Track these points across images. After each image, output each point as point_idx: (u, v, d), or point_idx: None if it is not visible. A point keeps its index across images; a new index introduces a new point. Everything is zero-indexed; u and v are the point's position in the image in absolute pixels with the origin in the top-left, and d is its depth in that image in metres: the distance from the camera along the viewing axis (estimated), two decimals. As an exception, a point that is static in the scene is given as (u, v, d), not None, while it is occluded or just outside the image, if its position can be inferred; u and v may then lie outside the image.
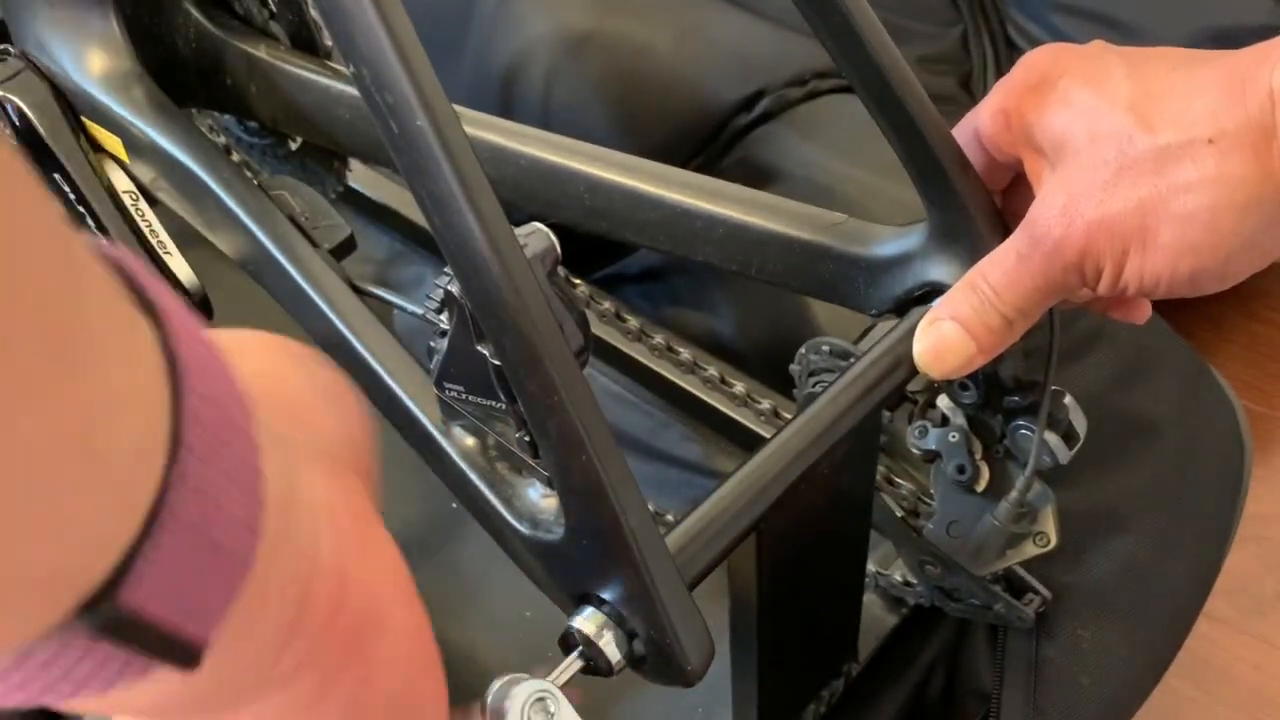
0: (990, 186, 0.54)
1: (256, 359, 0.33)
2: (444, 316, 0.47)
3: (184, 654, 0.24)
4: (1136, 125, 0.46)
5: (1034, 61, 0.51)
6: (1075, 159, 0.48)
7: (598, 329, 0.81)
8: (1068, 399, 0.58)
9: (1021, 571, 0.67)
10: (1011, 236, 0.51)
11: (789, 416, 0.75)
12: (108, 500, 0.22)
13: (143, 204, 0.69)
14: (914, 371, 0.54)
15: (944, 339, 0.52)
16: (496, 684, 0.41)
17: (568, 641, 0.44)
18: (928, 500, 0.64)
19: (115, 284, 0.23)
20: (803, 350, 0.62)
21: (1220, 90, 0.45)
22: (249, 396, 0.26)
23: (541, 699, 0.41)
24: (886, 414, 0.60)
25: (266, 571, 0.26)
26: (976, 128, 0.53)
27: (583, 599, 0.44)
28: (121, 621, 0.23)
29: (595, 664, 0.44)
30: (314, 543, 0.29)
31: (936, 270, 0.54)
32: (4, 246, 0.19)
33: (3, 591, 0.21)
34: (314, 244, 0.62)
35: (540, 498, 0.48)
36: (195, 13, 0.71)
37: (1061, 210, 0.48)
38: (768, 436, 0.51)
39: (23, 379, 0.20)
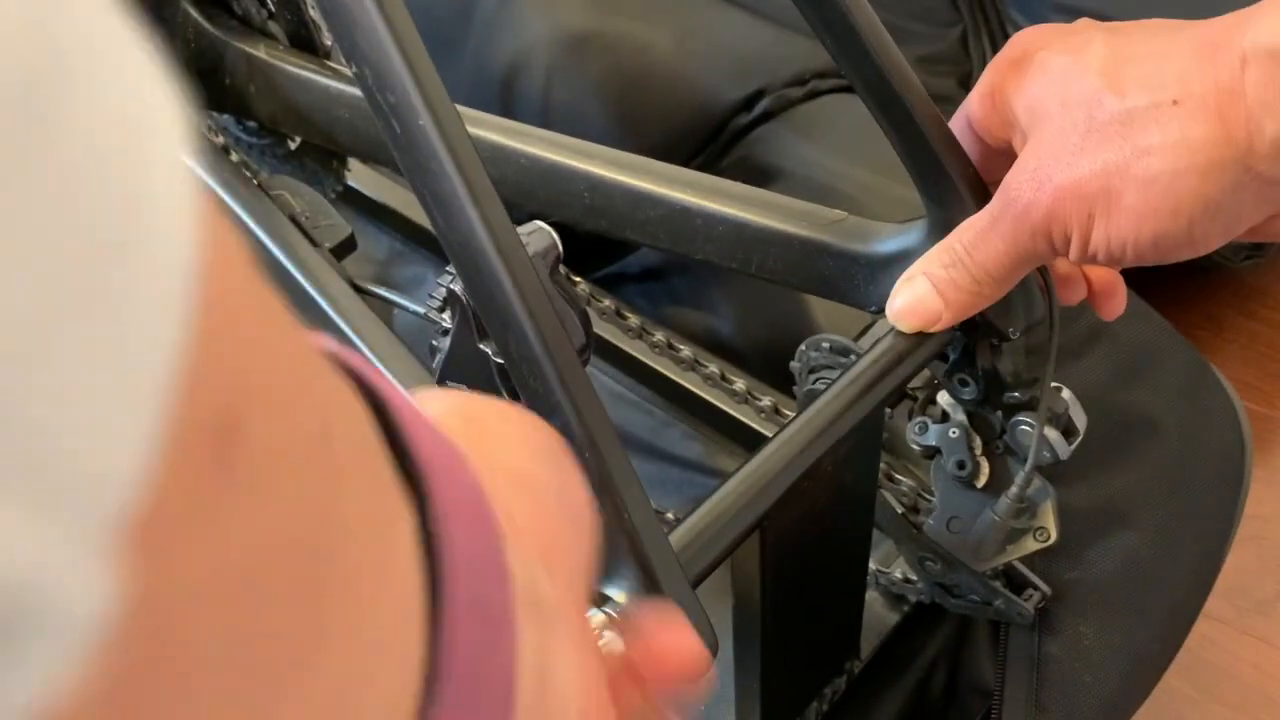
0: (986, 179, 0.54)
1: (498, 443, 0.27)
2: (446, 315, 0.47)
3: None
4: (1106, 88, 0.46)
5: (1018, 38, 0.51)
6: (1047, 124, 0.48)
7: (598, 327, 0.81)
8: (1067, 394, 0.58)
9: (1021, 567, 0.68)
10: (990, 201, 0.51)
11: (789, 414, 0.75)
12: None
13: (143, 204, 0.69)
14: (915, 369, 0.54)
15: (915, 295, 0.52)
16: None
17: None
18: (928, 496, 0.64)
19: (374, 436, 0.19)
20: (803, 347, 0.62)
21: (1192, 54, 0.45)
22: (513, 576, 0.22)
23: None
24: (886, 411, 0.60)
25: None
26: (969, 115, 0.53)
27: (586, 596, 0.44)
28: None
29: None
30: None
31: (937, 268, 0.54)
32: (274, 463, 0.15)
33: None
34: (314, 243, 0.62)
35: (543, 495, 0.48)
36: (194, 12, 0.71)
37: (1032, 174, 0.48)
38: (768, 434, 0.51)
39: (272, 668, 0.16)
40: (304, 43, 0.70)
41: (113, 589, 0.13)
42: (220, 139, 0.77)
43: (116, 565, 0.13)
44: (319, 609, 0.16)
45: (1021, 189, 0.48)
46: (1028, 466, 0.56)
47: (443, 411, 0.26)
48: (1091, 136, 0.46)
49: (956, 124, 0.54)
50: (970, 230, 0.51)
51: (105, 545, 0.13)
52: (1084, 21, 0.50)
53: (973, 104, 0.53)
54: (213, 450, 0.14)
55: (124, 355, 0.13)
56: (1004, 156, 0.52)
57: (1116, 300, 0.57)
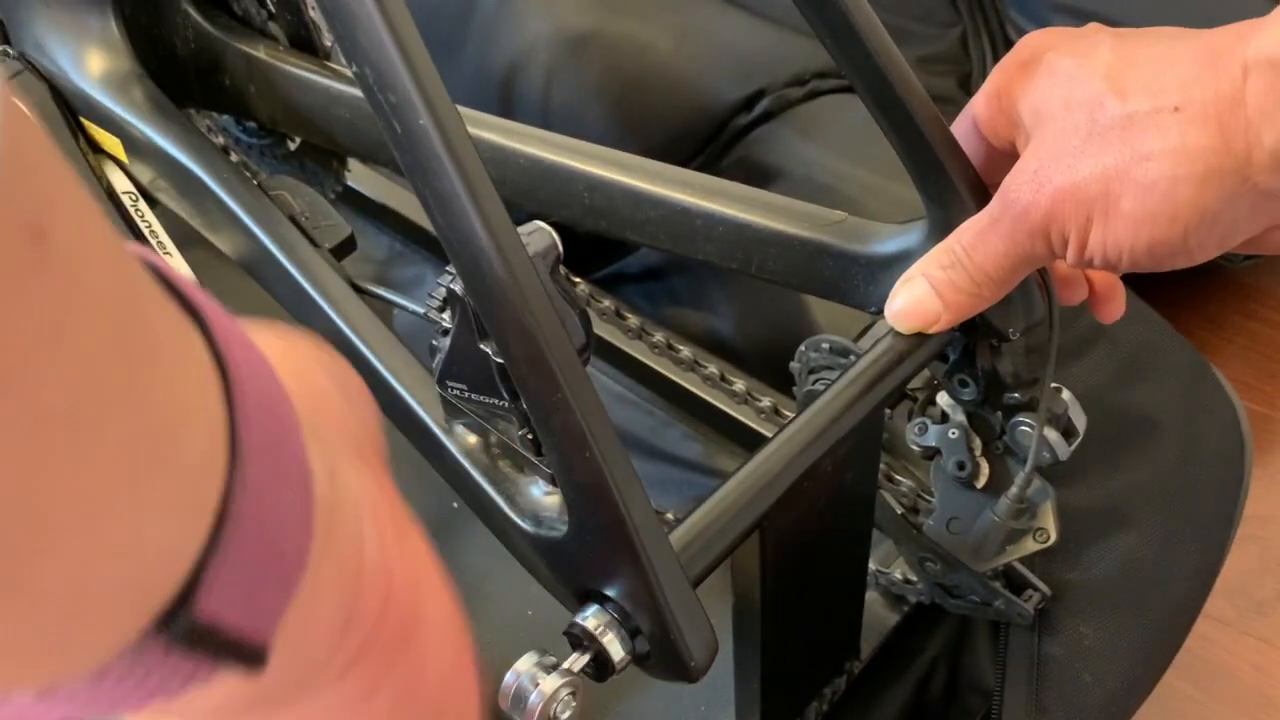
0: (989, 179, 0.54)
1: (276, 342, 0.33)
2: (446, 315, 0.47)
3: (250, 656, 0.24)
4: (1109, 92, 0.46)
5: (1027, 40, 0.51)
6: (1050, 126, 0.48)
7: (598, 327, 0.81)
8: (1067, 395, 0.58)
9: (1021, 568, 0.68)
10: (990, 202, 0.51)
11: (789, 414, 0.75)
12: (180, 510, 0.22)
13: (142, 204, 0.69)
14: (915, 369, 0.54)
15: (913, 296, 0.52)
16: (519, 667, 0.42)
17: (572, 638, 0.44)
18: (927, 497, 0.64)
19: (160, 286, 0.23)
20: (803, 348, 0.62)
21: (1195, 61, 0.45)
22: (290, 395, 0.26)
23: (573, 691, 0.42)
24: (886, 411, 0.61)
25: (319, 569, 0.26)
26: (974, 115, 0.53)
27: (586, 596, 0.44)
28: (196, 630, 0.23)
29: (599, 661, 0.44)
30: (359, 538, 0.29)
31: (937, 268, 0.54)
32: (76, 259, 0.19)
33: (90, 609, 0.21)
34: (314, 244, 0.62)
35: (543, 495, 0.48)
36: (194, 13, 0.71)
37: (1032, 176, 0.48)
38: (767, 434, 0.51)
39: (100, 393, 0.20)
40: (304, 43, 0.70)
41: None
42: (220, 139, 0.77)
43: None
44: (130, 362, 0.20)
45: (1021, 190, 0.48)
46: (1027, 467, 0.56)
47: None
48: (1093, 140, 0.46)
49: (961, 125, 0.54)
50: (969, 231, 0.51)
51: None
52: (1093, 26, 0.50)
53: (978, 104, 0.53)
54: (27, 239, 0.18)
55: None
56: (1008, 158, 0.52)
57: (1115, 304, 0.57)
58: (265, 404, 0.25)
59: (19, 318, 0.18)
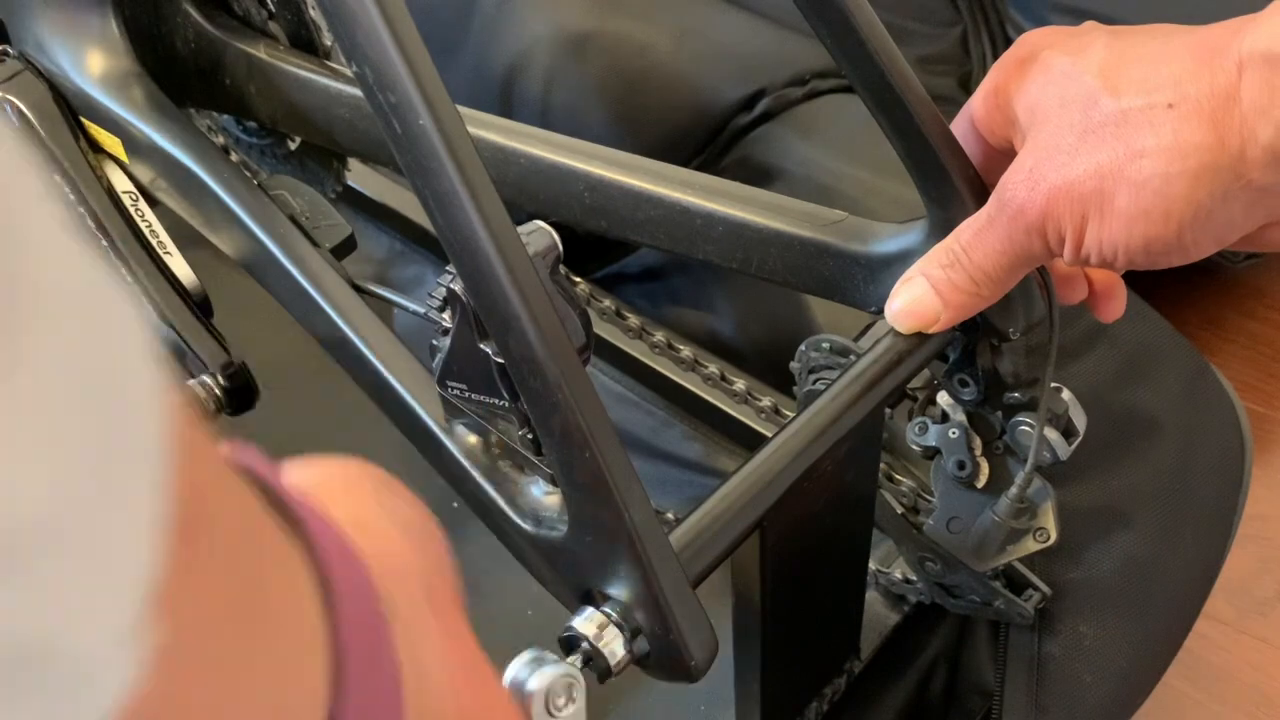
0: (988, 178, 0.54)
1: (345, 499, 0.33)
2: (446, 315, 0.47)
3: None
4: (1103, 89, 0.46)
5: (1025, 38, 0.51)
6: (1045, 124, 0.48)
7: (598, 327, 0.81)
8: (1067, 395, 0.58)
9: (1021, 568, 0.68)
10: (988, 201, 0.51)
11: (789, 414, 0.75)
12: None
13: (143, 204, 0.69)
14: (915, 369, 0.54)
15: (913, 296, 0.52)
16: (519, 660, 0.42)
17: (569, 642, 0.44)
18: (928, 497, 0.64)
19: (266, 508, 0.24)
20: (803, 348, 0.62)
21: (1189, 57, 0.45)
22: (380, 592, 0.26)
23: (569, 684, 0.42)
24: (886, 411, 0.60)
25: None
26: (972, 114, 0.53)
27: (586, 595, 0.44)
28: None
29: (596, 664, 0.44)
30: (442, 716, 0.30)
31: (937, 268, 0.54)
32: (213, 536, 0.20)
33: None
34: (314, 243, 0.62)
35: (543, 495, 0.48)
36: (194, 13, 0.71)
37: (1027, 174, 0.48)
38: (768, 434, 0.51)
39: (219, 672, 0.21)
40: (304, 43, 0.70)
41: (139, 657, 0.18)
42: (220, 139, 0.77)
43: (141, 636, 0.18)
44: (251, 623, 0.22)
45: (1017, 189, 0.48)
46: (1028, 467, 0.56)
47: (303, 479, 0.32)
48: (1087, 137, 0.46)
49: (960, 124, 0.54)
50: (968, 231, 0.51)
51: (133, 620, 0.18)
52: (1090, 24, 0.50)
53: (976, 103, 0.53)
54: (182, 536, 0.19)
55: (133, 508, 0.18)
56: (1006, 156, 0.52)
57: (1115, 303, 0.57)
58: (363, 622, 0.25)
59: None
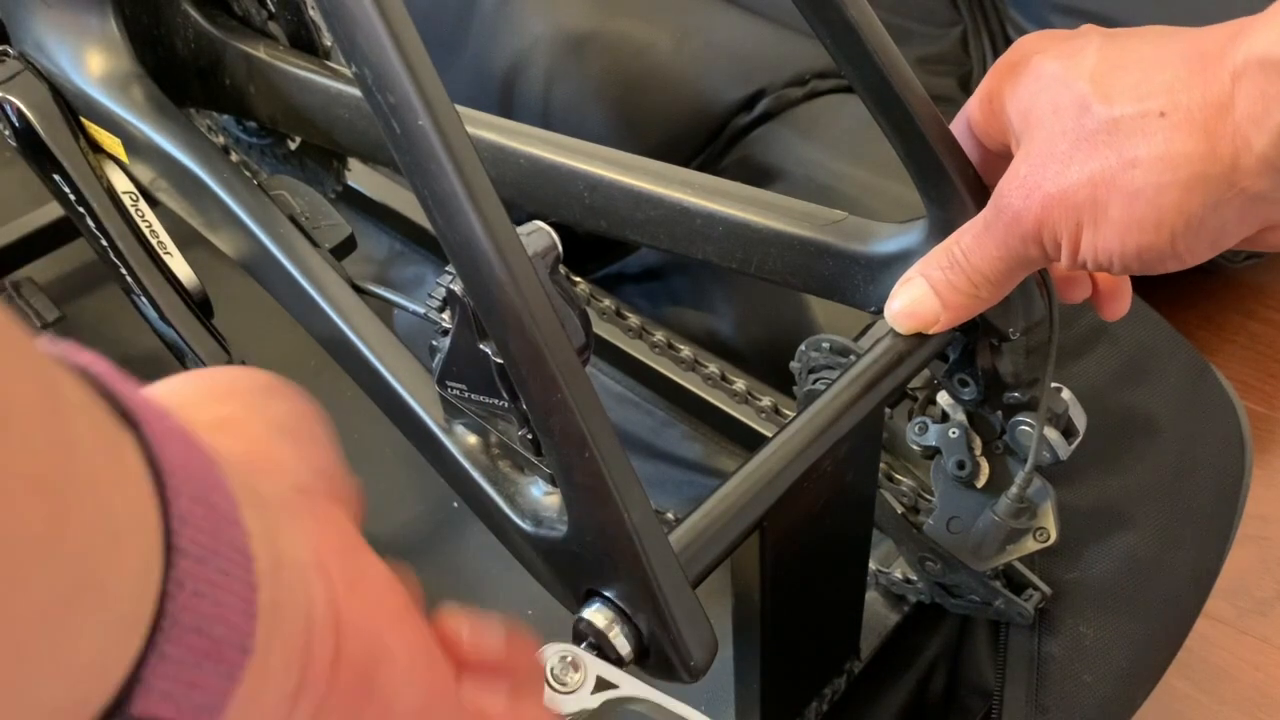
0: (988, 180, 0.54)
1: (213, 405, 0.34)
2: (446, 315, 0.47)
3: None
4: (1095, 95, 0.46)
5: (1019, 43, 0.51)
6: (1039, 130, 0.48)
7: (598, 327, 0.81)
8: (1067, 394, 0.58)
9: (1021, 568, 0.68)
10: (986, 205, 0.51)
11: (789, 414, 0.75)
12: (112, 627, 0.23)
13: (143, 204, 0.69)
14: (915, 369, 0.54)
15: (912, 297, 0.53)
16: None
17: (578, 634, 0.44)
18: (928, 496, 0.64)
19: (93, 398, 0.24)
20: (803, 347, 0.62)
21: (1182, 64, 0.45)
22: (227, 476, 0.26)
23: (572, 661, 0.42)
24: (886, 411, 0.60)
25: (266, 648, 0.27)
26: (968, 118, 0.53)
27: (586, 596, 0.44)
28: None
29: (605, 656, 0.44)
30: (306, 602, 0.29)
31: (937, 268, 0.54)
32: None
33: None
34: (314, 244, 0.62)
35: (543, 495, 0.48)
36: (194, 13, 0.71)
37: (1022, 181, 0.48)
38: (767, 434, 0.51)
39: (24, 535, 0.20)
40: (304, 43, 0.70)
41: None
42: (220, 139, 0.77)
43: None
44: (52, 506, 0.21)
45: (1012, 196, 0.48)
46: (1027, 467, 0.56)
47: (169, 386, 0.33)
48: (1080, 145, 0.46)
49: (957, 127, 0.54)
50: (968, 234, 0.51)
51: None
52: (1087, 27, 0.50)
53: (972, 107, 0.53)
54: None
55: None
56: (1004, 159, 0.52)
57: (1120, 302, 0.57)
58: (201, 498, 0.25)
59: None
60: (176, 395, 0.33)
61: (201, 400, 0.34)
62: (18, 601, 0.20)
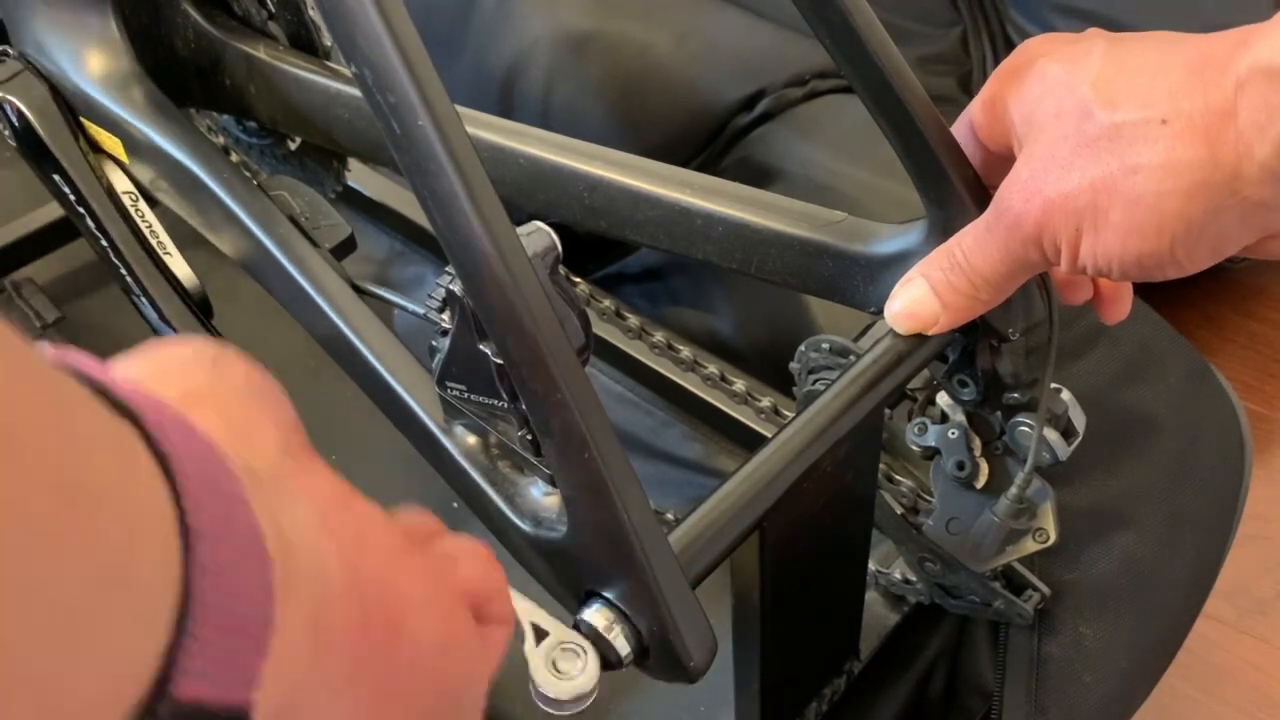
0: (990, 183, 0.54)
1: (177, 380, 0.34)
2: (445, 315, 0.47)
3: (235, 717, 0.26)
4: (1097, 101, 0.46)
5: (1024, 46, 0.51)
6: (1041, 134, 0.48)
7: (598, 328, 0.81)
8: (1066, 395, 0.58)
9: (1021, 568, 0.68)
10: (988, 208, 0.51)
11: (788, 414, 0.75)
12: (141, 616, 0.23)
13: (142, 204, 0.69)
14: (915, 369, 0.54)
15: (912, 298, 0.53)
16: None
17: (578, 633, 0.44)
18: (927, 497, 0.64)
19: (91, 395, 0.24)
20: (802, 348, 0.62)
21: (1185, 70, 0.45)
22: (227, 456, 0.27)
23: (569, 649, 0.42)
24: (886, 411, 0.60)
25: (287, 620, 0.27)
26: (970, 120, 0.53)
27: (586, 596, 0.44)
28: (179, 713, 0.24)
29: (605, 657, 0.44)
30: (320, 566, 0.30)
31: (937, 268, 0.54)
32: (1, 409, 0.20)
33: None
34: (314, 244, 0.62)
35: (543, 496, 0.48)
36: (194, 13, 0.71)
37: (1023, 185, 0.48)
38: (767, 435, 0.51)
39: (45, 538, 0.21)
40: (304, 43, 0.70)
41: None
42: (220, 139, 0.77)
43: None
44: (70, 507, 0.21)
45: (1013, 199, 0.48)
46: (1027, 467, 0.56)
47: (133, 369, 0.33)
48: (1081, 150, 0.46)
49: (960, 129, 0.54)
50: (969, 236, 0.51)
51: None
52: (1092, 31, 0.50)
53: (975, 110, 0.53)
54: None
55: None
56: (1006, 161, 0.52)
57: (1120, 305, 0.57)
58: (208, 481, 0.26)
59: None
60: (138, 373, 0.33)
61: (165, 376, 0.34)
62: (47, 601, 0.21)
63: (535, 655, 0.43)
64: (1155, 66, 0.45)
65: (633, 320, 0.82)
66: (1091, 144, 0.46)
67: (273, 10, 0.70)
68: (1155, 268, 0.47)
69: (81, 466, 0.22)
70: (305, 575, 0.29)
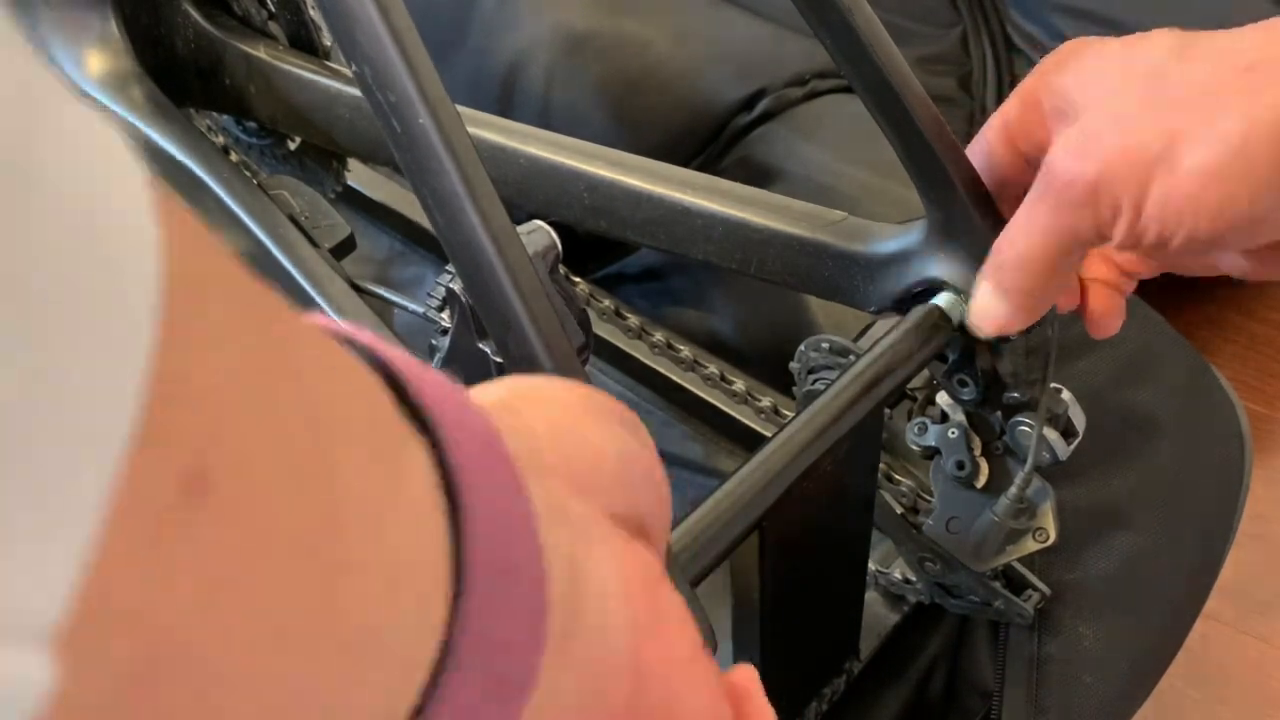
0: (1010, 192, 0.52)
1: (556, 411, 0.30)
2: (445, 314, 0.47)
3: None
4: (1172, 57, 0.43)
5: (1063, 45, 0.49)
6: (1104, 96, 0.45)
7: (598, 327, 0.81)
8: (1066, 395, 0.58)
9: (1021, 568, 0.68)
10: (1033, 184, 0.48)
11: (789, 414, 0.75)
12: (393, 677, 0.21)
13: (143, 204, 0.69)
14: (915, 369, 0.54)
15: (977, 301, 0.51)
16: None
17: None
18: (927, 497, 0.64)
19: (377, 396, 0.21)
20: (803, 348, 0.62)
21: (1265, 28, 0.43)
22: (527, 483, 0.24)
23: None
24: (886, 411, 0.60)
25: (554, 680, 0.24)
26: (1004, 119, 0.51)
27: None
28: None
29: None
30: (604, 633, 0.27)
31: (936, 267, 0.54)
32: (247, 496, 0.17)
33: None
34: (314, 243, 0.62)
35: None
36: (194, 13, 0.71)
37: (1077, 146, 0.45)
38: (767, 434, 0.51)
39: (292, 604, 0.18)
40: (304, 43, 0.70)
41: (53, 674, 0.14)
42: (220, 139, 0.77)
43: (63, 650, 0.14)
44: (321, 584, 0.19)
45: (1066, 160, 0.45)
46: (1027, 467, 0.56)
47: (527, 389, 0.30)
48: (1152, 103, 0.43)
49: (982, 140, 0.52)
50: (1014, 218, 0.49)
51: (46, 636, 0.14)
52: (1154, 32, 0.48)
53: (1010, 106, 0.50)
54: (179, 495, 0.15)
55: (74, 433, 0.14)
56: (1032, 167, 0.49)
57: (1111, 319, 0.55)
58: (499, 517, 0.23)
59: (165, 597, 0.15)
60: (517, 395, 0.30)
61: (547, 399, 0.30)
62: (287, 671, 0.18)
63: None
64: (1228, 35, 0.43)
65: (633, 320, 0.82)
66: (1165, 96, 0.43)
67: (273, 10, 0.71)
68: (1233, 221, 0.42)
69: (336, 519, 0.19)
70: (586, 636, 0.26)
